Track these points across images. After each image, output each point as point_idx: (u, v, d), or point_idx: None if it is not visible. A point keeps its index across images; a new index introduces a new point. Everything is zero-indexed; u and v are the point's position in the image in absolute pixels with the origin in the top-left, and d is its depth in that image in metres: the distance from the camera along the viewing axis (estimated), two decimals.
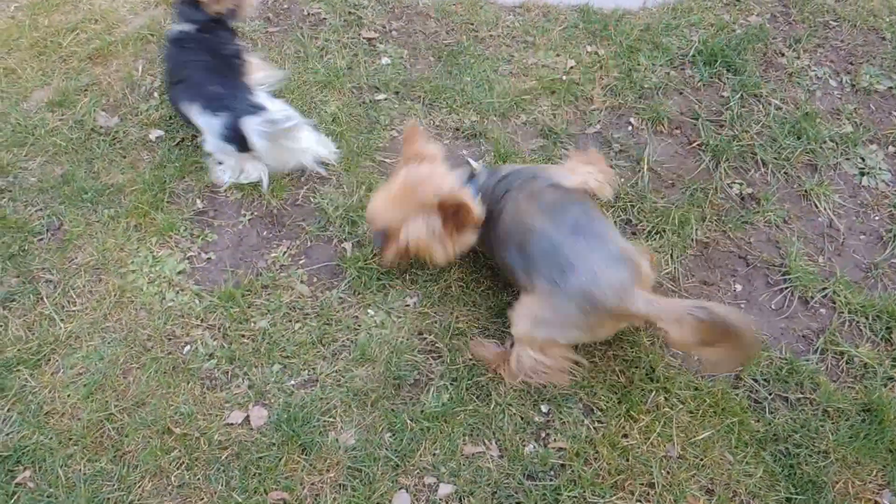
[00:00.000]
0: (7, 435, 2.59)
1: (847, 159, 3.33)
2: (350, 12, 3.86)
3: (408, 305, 2.86)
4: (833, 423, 2.61)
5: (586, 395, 2.65)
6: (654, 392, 2.65)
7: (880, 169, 3.30)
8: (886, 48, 3.77)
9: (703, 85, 3.59)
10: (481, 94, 3.51)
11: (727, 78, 3.60)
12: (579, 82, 3.58)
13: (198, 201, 3.17)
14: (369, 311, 2.85)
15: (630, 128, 3.43)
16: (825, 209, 3.17)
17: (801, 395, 2.67)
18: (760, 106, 3.50)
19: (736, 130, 3.39)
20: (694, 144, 3.36)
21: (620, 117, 3.47)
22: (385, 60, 3.66)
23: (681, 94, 3.55)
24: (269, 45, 3.74)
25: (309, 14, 3.88)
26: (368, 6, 3.90)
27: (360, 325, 2.81)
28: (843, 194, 3.22)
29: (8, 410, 2.65)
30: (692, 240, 3.05)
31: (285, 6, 3.95)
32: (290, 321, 2.82)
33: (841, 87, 3.60)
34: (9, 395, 2.68)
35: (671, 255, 3.00)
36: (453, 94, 3.51)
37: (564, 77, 3.60)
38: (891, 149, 3.37)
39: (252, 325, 2.81)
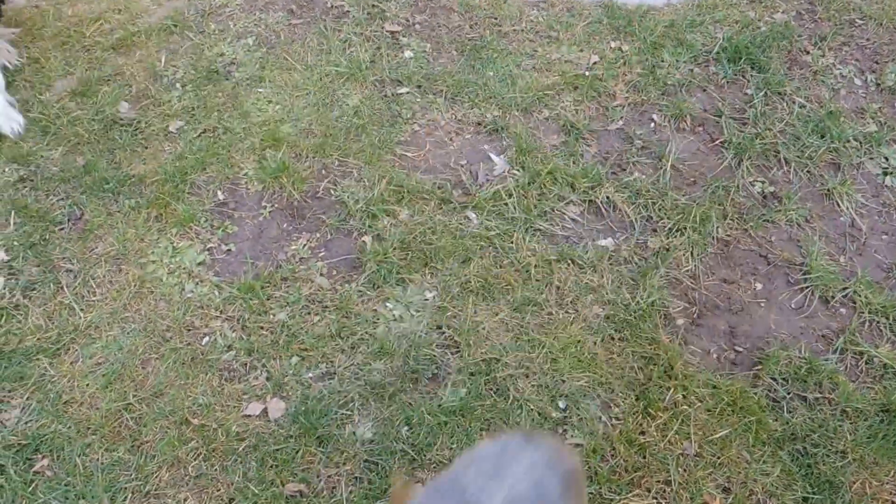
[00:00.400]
0: (26, 423, 2.61)
1: (871, 158, 3.30)
2: (373, 5, 3.86)
3: (426, 299, 2.86)
4: (851, 424, 2.59)
5: (604, 392, 2.65)
6: (672, 389, 2.64)
7: None
8: None
9: (727, 82, 3.56)
10: (504, 89, 3.50)
11: (751, 75, 3.58)
12: (602, 78, 3.56)
13: (219, 193, 3.18)
14: (388, 304, 2.85)
15: (652, 124, 3.41)
16: (847, 208, 3.15)
17: (819, 395, 2.66)
18: (784, 104, 3.47)
19: (759, 128, 3.37)
20: (717, 142, 3.34)
21: (643, 114, 3.45)
22: (408, 54, 3.66)
23: (704, 91, 3.53)
24: (292, 37, 3.75)
25: (332, 6, 3.88)
26: None
27: (378, 319, 2.81)
28: (865, 194, 3.20)
29: (27, 399, 2.67)
30: (713, 238, 3.04)
31: None
32: (309, 314, 2.83)
33: (866, 86, 3.57)
34: (28, 384, 2.70)
35: (691, 254, 2.98)
36: (476, 88, 3.50)
37: (588, 73, 3.58)
38: None
39: (271, 317, 2.82)
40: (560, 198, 3.14)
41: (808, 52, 3.70)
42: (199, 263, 2.98)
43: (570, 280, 2.90)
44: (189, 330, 2.81)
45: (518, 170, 3.21)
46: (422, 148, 3.30)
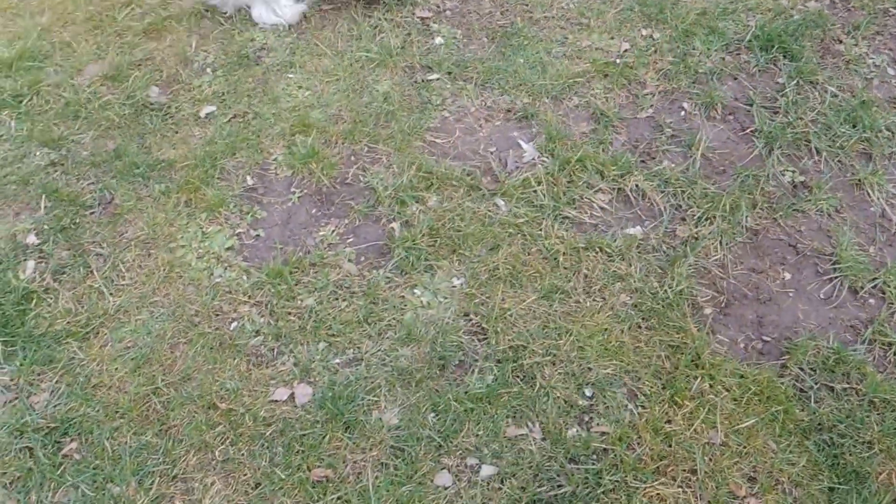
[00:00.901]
0: (55, 407, 2.65)
1: None
2: None
3: (454, 286, 2.87)
4: (878, 414, 2.58)
5: (631, 380, 2.65)
6: (699, 378, 2.64)
7: None
8: None
9: (759, 71, 3.53)
10: (534, 76, 3.49)
11: (783, 64, 3.54)
12: (633, 66, 3.54)
13: (248, 178, 3.20)
14: (416, 291, 2.86)
15: (683, 113, 3.39)
16: (878, 199, 3.12)
17: (847, 385, 2.64)
18: (816, 93, 3.43)
19: (790, 117, 3.33)
20: (747, 131, 3.32)
21: (673, 102, 3.43)
22: (438, 40, 3.66)
23: (735, 79, 3.50)
24: (323, 22, 3.76)
25: None
26: None
27: (406, 305, 2.82)
28: None
29: (56, 382, 2.70)
30: (742, 227, 3.02)
31: None
32: (337, 299, 2.85)
33: None
34: (57, 368, 2.73)
35: (720, 242, 2.97)
36: (506, 75, 3.50)
37: (618, 60, 3.57)
38: None
39: (299, 302, 2.84)
40: (589, 185, 3.13)
41: (840, 42, 3.65)
42: (228, 248, 3.00)
43: (598, 268, 2.90)
44: (217, 315, 2.84)
45: (547, 157, 3.21)
46: (451, 134, 3.31)
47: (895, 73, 3.54)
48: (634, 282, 2.87)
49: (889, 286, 2.86)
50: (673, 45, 3.61)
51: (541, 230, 2.99)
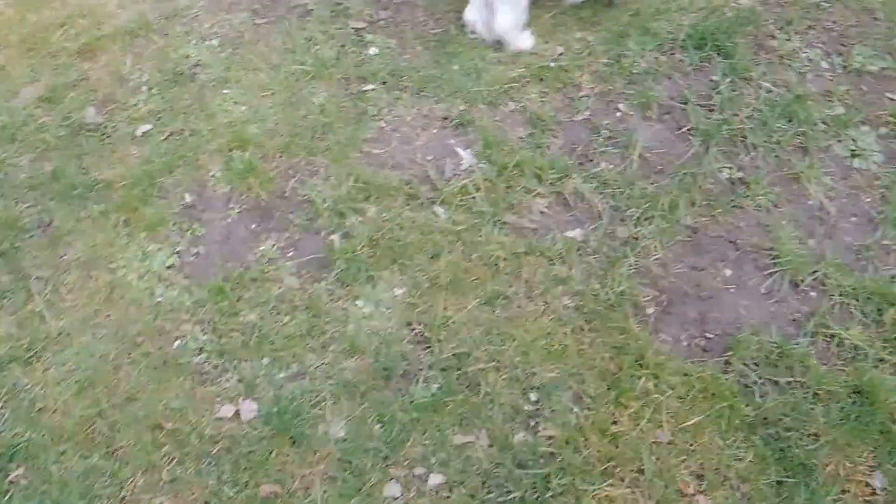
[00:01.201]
0: (0, 433, 2.60)
1: (839, 141, 3.31)
2: (337, 3, 3.84)
3: (396, 296, 2.86)
4: (823, 406, 2.61)
5: (575, 383, 2.66)
6: (643, 378, 2.65)
7: (872, 150, 3.28)
8: (879, 28, 3.74)
9: (693, 69, 3.57)
10: (469, 83, 3.49)
11: (717, 62, 3.58)
12: (568, 69, 3.56)
13: (186, 195, 3.17)
14: (358, 302, 2.85)
15: (619, 114, 3.41)
16: (816, 192, 3.16)
17: (791, 379, 2.67)
18: (751, 89, 3.47)
19: (726, 114, 3.37)
20: (683, 129, 3.35)
21: (609, 103, 3.45)
22: (373, 50, 3.65)
23: (670, 78, 3.53)
24: (257, 37, 3.73)
25: (296, 5, 3.87)
26: None
27: (348, 317, 2.81)
28: (834, 177, 3.20)
29: (0, 408, 2.66)
30: (681, 225, 3.04)
31: None
32: (279, 314, 2.82)
33: (833, 69, 3.58)
34: (1, 393, 2.69)
35: (660, 242, 2.99)
36: (441, 82, 3.50)
37: (553, 64, 3.58)
38: (883, 130, 3.35)
39: (241, 318, 2.82)
40: (527, 190, 3.13)
41: (774, 37, 3.70)
42: (169, 267, 2.97)
43: (539, 272, 2.90)
44: (160, 334, 2.80)
45: (485, 163, 3.21)
46: (388, 144, 3.30)
47: (828, 67, 3.60)
48: (576, 284, 2.88)
49: (829, 278, 2.90)
50: (607, 46, 3.63)
51: (481, 237, 2.99)
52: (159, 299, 2.88)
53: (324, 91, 3.47)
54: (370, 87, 3.49)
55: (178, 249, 3.02)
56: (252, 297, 2.86)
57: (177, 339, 2.79)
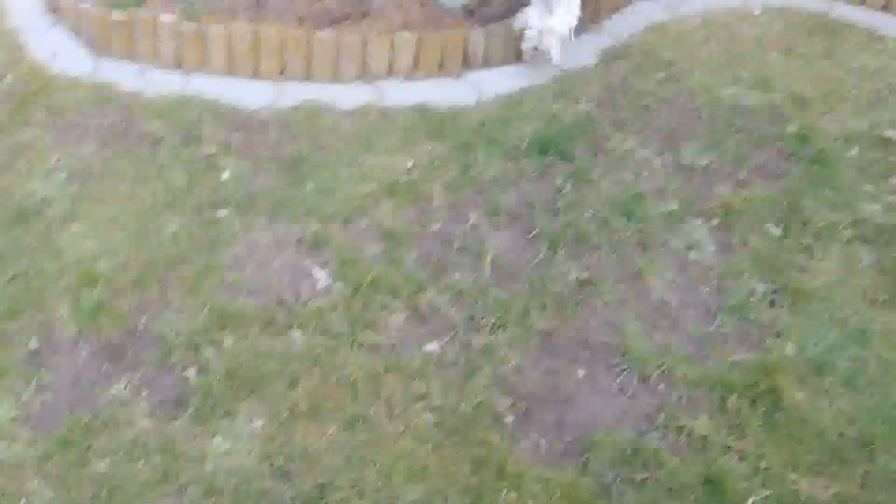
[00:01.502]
0: None
1: (675, 236, 3.50)
2: (189, 129, 3.86)
3: (255, 428, 2.82)
4: (678, 501, 2.69)
5: (440, 502, 2.66)
6: (504, 490, 2.68)
7: (706, 242, 3.49)
8: (703, 125, 4.02)
9: (538, 175, 3.73)
10: (324, 202, 3.55)
11: (560, 166, 3.76)
12: (419, 181, 3.66)
13: (32, 341, 3.06)
14: (216, 439, 2.79)
15: (470, 223, 3.52)
16: (657, 286, 3.32)
17: (646, 475, 2.74)
18: (592, 190, 3.66)
19: (570, 217, 3.53)
20: (532, 234, 3.48)
21: (460, 213, 3.56)
22: (226, 175, 3.66)
23: (517, 185, 3.68)
24: (107, 168, 3.70)
25: (146, 133, 3.86)
26: (208, 121, 3.90)
27: (206, 456, 2.74)
28: (673, 270, 3.38)
29: None
30: (535, 330, 3.13)
31: (123, 126, 3.92)
32: (133, 460, 2.73)
33: (665, 166, 3.81)
34: None
35: (515, 348, 3.07)
36: (296, 203, 3.54)
37: (404, 177, 3.68)
38: (714, 221, 3.57)
39: (91, 469, 2.70)
40: (384, 307, 3.18)
41: (610, 139, 3.92)
42: (13, 420, 2.84)
43: (399, 390, 2.93)
44: (2, 496, 2.67)
45: (341, 283, 3.24)
46: (243, 271, 3.29)
47: (661, 164, 3.83)
48: (435, 399, 2.91)
49: (675, 370, 3.03)
50: (456, 157, 3.77)
51: (339, 358, 3.00)
52: (1, 458, 2.75)
53: (176, 220, 3.45)
54: (224, 212, 3.50)
55: (22, 399, 2.89)
56: (103, 445, 2.76)
57: (21, 499, 2.65)
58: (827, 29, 4.78)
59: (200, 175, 3.65)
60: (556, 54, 4.25)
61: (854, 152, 3.94)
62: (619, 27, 4.76)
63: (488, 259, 3.36)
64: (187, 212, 3.49)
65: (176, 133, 3.83)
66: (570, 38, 4.34)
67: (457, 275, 3.31)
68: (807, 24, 4.84)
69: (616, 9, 4.88)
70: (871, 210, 3.64)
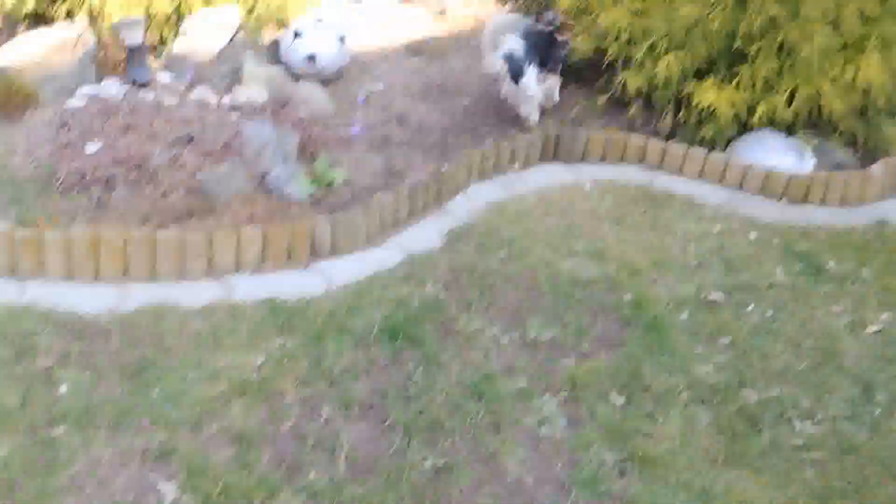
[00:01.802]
0: None
1: (526, 413, 3.58)
2: (23, 341, 3.70)
3: None
4: None
5: None
6: None
7: (555, 417, 3.57)
8: (546, 300, 4.20)
9: (389, 362, 3.77)
10: (170, 409, 3.44)
11: (410, 351, 3.82)
12: (270, 378, 3.63)
13: None
14: None
15: (323, 418, 3.48)
16: (512, 466, 3.35)
17: None
18: (443, 374, 3.71)
19: (422, 403, 3.56)
20: (386, 424, 3.47)
21: (313, 408, 3.52)
22: (64, 389, 3.50)
23: (368, 374, 3.70)
24: None
25: None
26: (44, 331, 3.77)
27: None
28: (526, 448, 3.43)
29: None
30: None
31: None
32: None
33: (512, 343, 3.93)
34: None
35: None
36: (141, 413, 3.41)
37: (255, 375, 3.64)
38: (562, 395, 3.68)
39: None
40: None
41: (458, 320, 4.03)
42: None
43: None
44: None
45: (189, 494, 3.11)
46: (83, 492, 3.10)
47: (508, 341, 3.95)
48: None
49: None
50: (307, 350, 3.77)
51: None
52: None
53: (7, 443, 3.24)
54: (61, 429, 3.32)
55: None
56: None
57: None
58: (651, 199, 5.16)
59: (35, 391, 3.47)
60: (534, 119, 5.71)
61: (685, 316, 4.19)
62: (462, 208, 4.98)
63: (343, 454, 3.31)
64: (20, 433, 3.28)
65: (8, 347, 3.65)
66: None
67: (311, 474, 3.24)
68: (633, 195, 5.21)
69: (458, 189, 5.12)
70: (705, 371, 3.85)
